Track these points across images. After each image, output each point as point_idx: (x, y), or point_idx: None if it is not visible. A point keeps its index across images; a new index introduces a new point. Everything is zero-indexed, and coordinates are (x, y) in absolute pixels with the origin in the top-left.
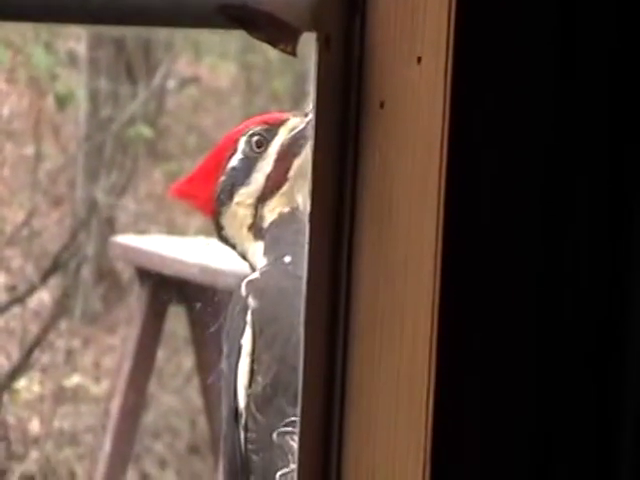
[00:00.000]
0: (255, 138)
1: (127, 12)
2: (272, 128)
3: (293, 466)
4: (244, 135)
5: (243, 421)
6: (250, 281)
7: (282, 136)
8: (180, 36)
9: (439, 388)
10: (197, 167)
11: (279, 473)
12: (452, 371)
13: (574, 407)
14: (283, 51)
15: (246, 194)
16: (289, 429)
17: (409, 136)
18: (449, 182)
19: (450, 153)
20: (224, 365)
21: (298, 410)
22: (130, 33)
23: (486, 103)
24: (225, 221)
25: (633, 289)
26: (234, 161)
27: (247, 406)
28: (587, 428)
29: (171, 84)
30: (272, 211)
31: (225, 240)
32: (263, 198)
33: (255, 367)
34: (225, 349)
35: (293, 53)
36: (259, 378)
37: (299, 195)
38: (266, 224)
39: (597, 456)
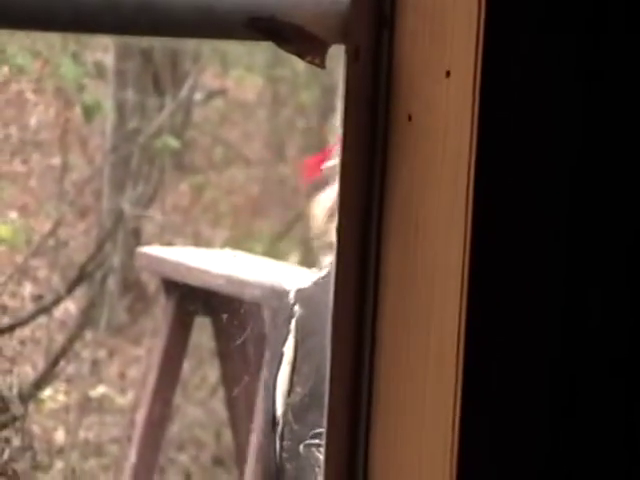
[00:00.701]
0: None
1: (156, 22)
2: None
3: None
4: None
5: (280, 429)
6: (299, 290)
7: None
8: (207, 48)
9: (466, 400)
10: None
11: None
12: (479, 380)
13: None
14: (311, 63)
15: (322, 205)
16: (315, 441)
17: (437, 150)
18: (477, 196)
19: (478, 167)
20: (264, 372)
21: (324, 422)
22: (158, 44)
23: (515, 118)
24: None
25: None
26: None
27: (285, 414)
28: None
29: (198, 96)
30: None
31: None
32: (329, 217)
33: (295, 377)
34: (267, 356)
35: (322, 65)
36: (298, 388)
37: None
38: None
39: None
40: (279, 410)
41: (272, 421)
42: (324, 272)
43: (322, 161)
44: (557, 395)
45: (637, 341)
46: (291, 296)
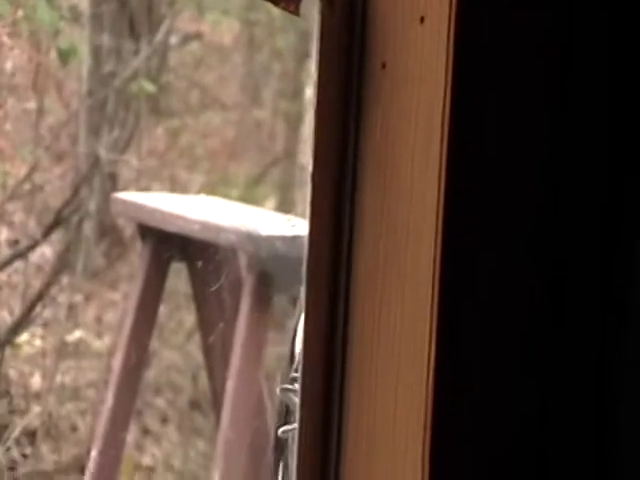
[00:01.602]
0: None
1: None
2: None
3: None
4: None
5: (295, 364)
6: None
7: None
8: None
9: (440, 341)
10: None
11: (281, 429)
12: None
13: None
14: (285, 10)
15: None
16: (292, 386)
17: (411, 97)
18: (451, 142)
19: (452, 114)
20: (297, 311)
21: (300, 368)
22: None
23: (489, 64)
24: None
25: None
26: None
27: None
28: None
29: (174, 40)
30: None
31: None
32: None
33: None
34: (297, 311)
35: (296, 12)
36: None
37: None
38: None
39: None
40: (296, 363)
41: (288, 371)
42: None
43: None
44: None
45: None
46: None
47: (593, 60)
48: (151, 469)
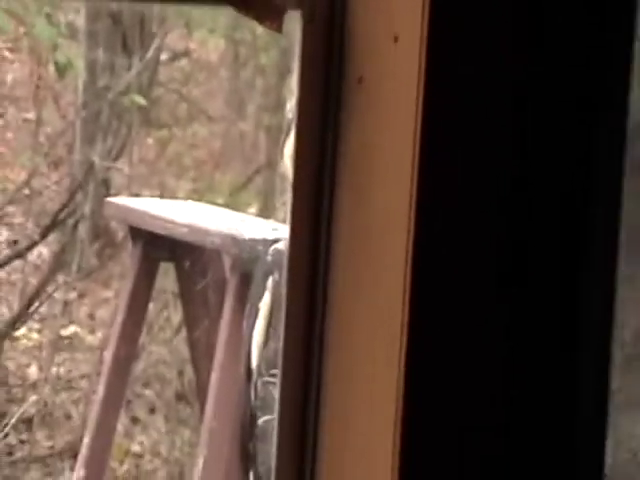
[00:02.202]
0: None
1: None
2: None
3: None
4: None
5: (254, 380)
6: (276, 248)
7: None
8: (172, 11)
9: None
10: None
11: (262, 419)
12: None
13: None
14: (269, 28)
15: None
16: (273, 379)
17: (386, 111)
18: (423, 154)
19: (424, 129)
20: (244, 324)
21: (279, 361)
22: (126, 7)
23: (460, 81)
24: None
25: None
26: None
27: (259, 366)
28: None
29: (163, 56)
30: None
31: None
32: None
33: (271, 331)
34: (247, 309)
35: (279, 30)
36: (272, 343)
37: None
38: None
39: None
40: (254, 362)
41: (248, 372)
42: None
43: None
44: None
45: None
46: (269, 254)
47: (561, 73)
48: (139, 455)
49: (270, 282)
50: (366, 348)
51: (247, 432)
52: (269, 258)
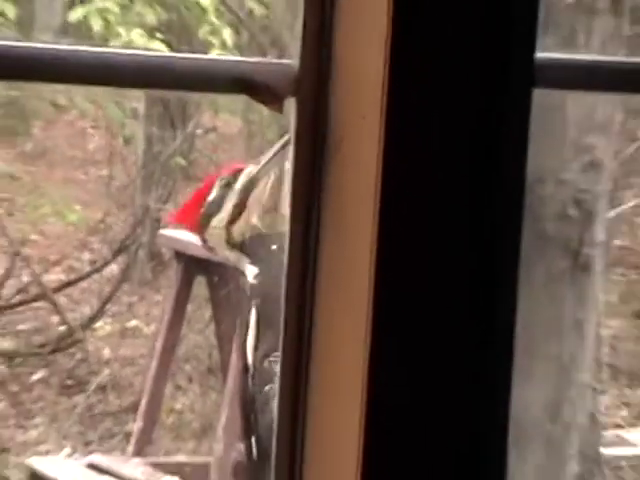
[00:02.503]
0: (224, 182)
1: (174, 81)
2: (237, 174)
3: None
4: (218, 180)
5: (251, 371)
6: (252, 285)
7: (242, 179)
8: (204, 98)
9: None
10: (186, 201)
11: (267, 387)
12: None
13: None
14: (273, 110)
15: (219, 220)
16: (275, 359)
17: (357, 167)
18: (384, 190)
19: (384, 178)
20: (238, 331)
21: (280, 344)
22: (173, 96)
23: (412, 150)
24: (208, 238)
25: None
26: (211, 197)
27: (253, 362)
28: None
29: (199, 131)
30: (239, 230)
31: (209, 249)
32: (231, 222)
33: (260, 338)
34: (238, 321)
35: (280, 111)
36: (263, 345)
37: (254, 217)
38: (239, 240)
39: None
40: (250, 359)
41: (245, 366)
42: (255, 270)
43: (198, 202)
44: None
45: None
46: (247, 290)
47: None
48: (181, 412)
49: (254, 310)
50: (340, 323)
51: (248, 406)
52: (248, 292)
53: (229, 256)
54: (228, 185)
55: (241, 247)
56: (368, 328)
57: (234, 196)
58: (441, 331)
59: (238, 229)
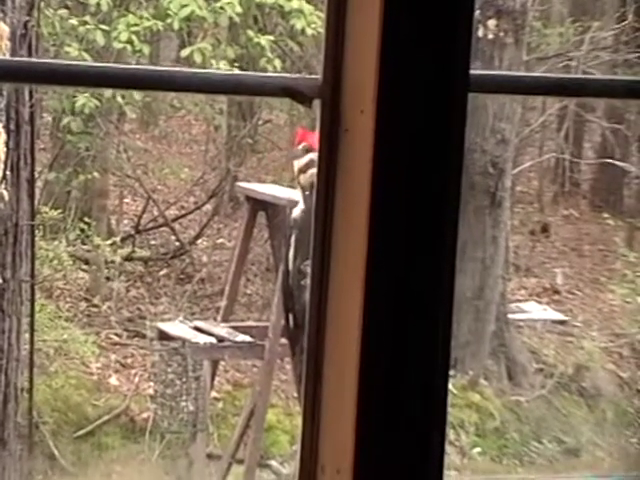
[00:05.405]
0: (305, 147)
1: (244, 90)
2: (312, 147)
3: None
4: (302, 144)
5: (292, 272)
6: (294, 217)
7: (311, 154)
8: (264, 101)
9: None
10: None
11: (302, 281)
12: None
13: None
14: (306, 107)
15: (297, 165)
16: (307, 264)
17: (359, 147)
18: (375, 169)
19: (375, 158)
20: (283, 254)
21: (310, 255)
22: (244, 99)
23: (396, 133)
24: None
25: None
26: (298, 150)
27: (293, 266)
28: None
29: (260, 121)
30: (303, 178)
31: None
32: (301, 171)
33: (297, 252)
34: (284, 240)
35: (310, 107)
36: (298, 256)
37: (311, 176)
38: (303, 184)
39: None
40: (290, 265)
41: (287, 275)
42: (302, 206)
43: (303, 138)
44: None
45: None
46: (290, 220)
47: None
48: (250, 295)
49: (293, 238)
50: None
51: (288, 293)
52: (291, 223)
53: (298, 194)
54: (306, 150)
55: (302, 189)
56: (367, 230)
57: (306, 158)
58: (419, 237)
59: (303, 177)
